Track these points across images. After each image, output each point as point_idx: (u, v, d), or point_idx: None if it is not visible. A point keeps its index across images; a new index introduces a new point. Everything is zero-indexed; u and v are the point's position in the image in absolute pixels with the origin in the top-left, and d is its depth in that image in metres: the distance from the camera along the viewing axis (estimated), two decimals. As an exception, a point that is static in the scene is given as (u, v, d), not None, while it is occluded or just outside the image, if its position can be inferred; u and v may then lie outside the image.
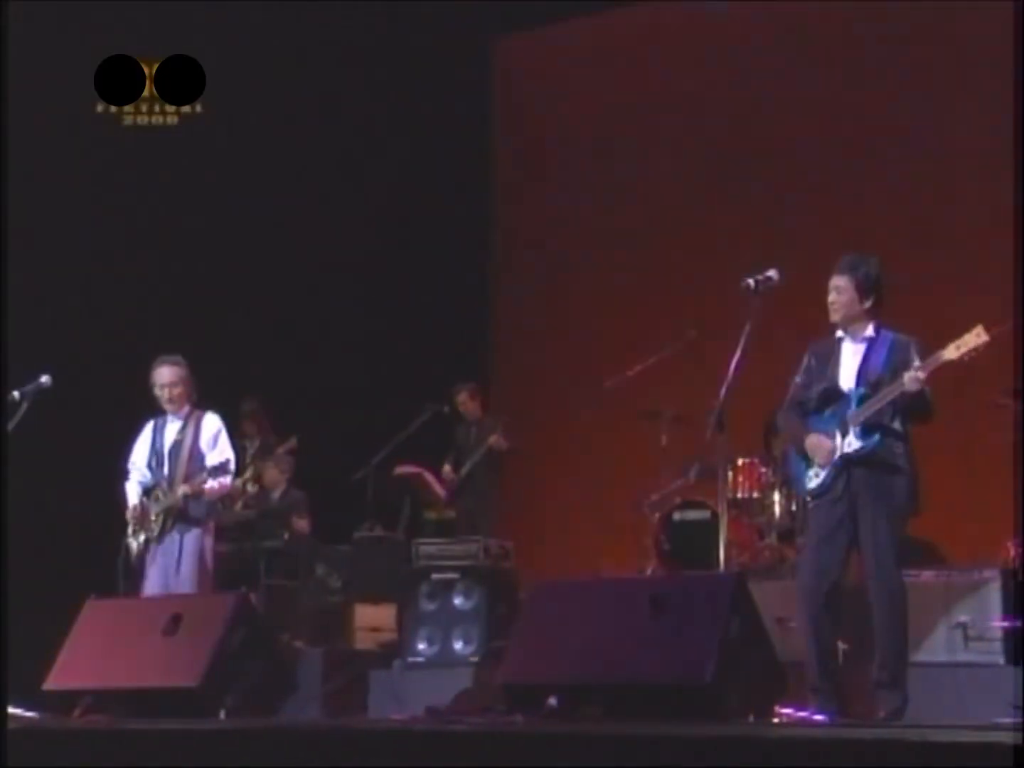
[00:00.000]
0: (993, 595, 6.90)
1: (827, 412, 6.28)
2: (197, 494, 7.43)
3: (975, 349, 5.93)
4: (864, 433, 6.13)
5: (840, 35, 11.04)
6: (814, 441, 6.22)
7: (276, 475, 9.84)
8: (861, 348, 6.28)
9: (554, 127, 12.32)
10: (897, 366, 6.15)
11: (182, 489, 7.39)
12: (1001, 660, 6.75)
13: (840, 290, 6.25)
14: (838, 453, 6.16)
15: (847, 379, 6.26)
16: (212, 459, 7.47)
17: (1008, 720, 5.46)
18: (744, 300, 6.44)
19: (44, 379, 7.49)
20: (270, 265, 10.97)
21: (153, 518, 7.43)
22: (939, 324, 6.54)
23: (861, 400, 6.16)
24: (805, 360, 6.43)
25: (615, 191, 11.86)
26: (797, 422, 6.40)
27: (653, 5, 11.89)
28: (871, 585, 6.15)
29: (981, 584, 6.99)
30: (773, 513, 8.65)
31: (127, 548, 7.53)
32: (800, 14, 11.11)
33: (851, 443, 6.15)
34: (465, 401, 10.32)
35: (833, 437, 6.20)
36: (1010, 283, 9.09)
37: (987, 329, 5.91)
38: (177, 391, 7.57)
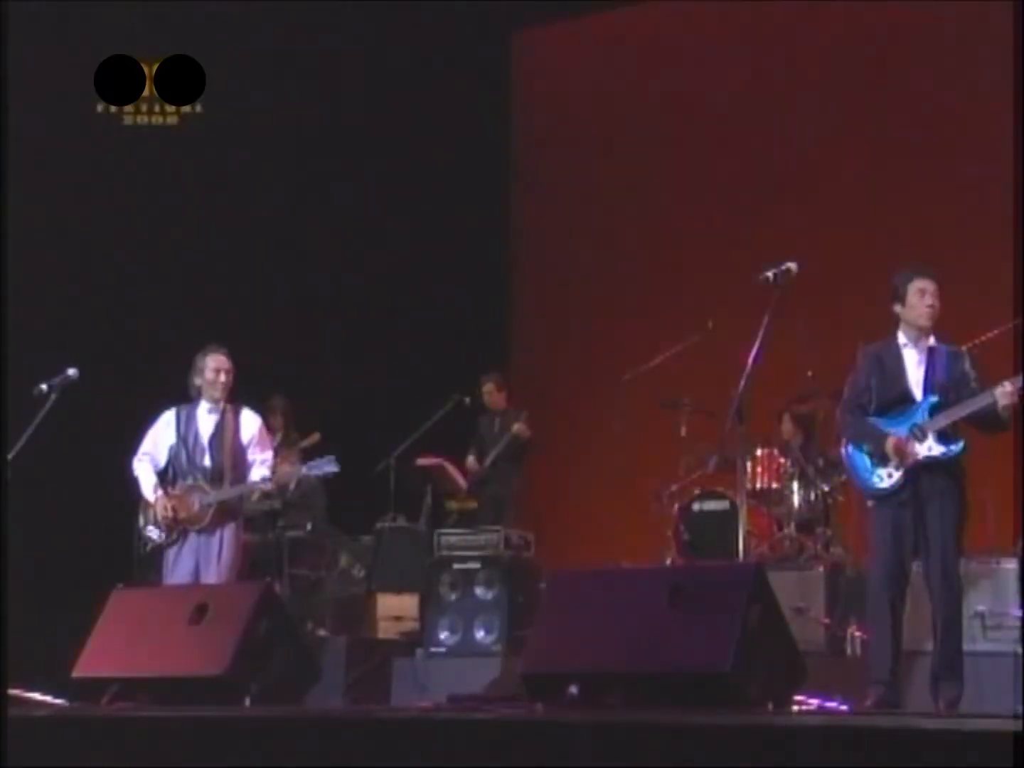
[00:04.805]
0: (1011, 584, 6.94)
1: (891, 414, 6.35)
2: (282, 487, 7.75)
3: None
4: (943, 439, 6.21)
5: (854, 36, 11.09)
6: (898, 444, 6.25)
7: (288, 469, 9.87)
8: (923, 357, 6.36)
9: (572, 121, 12.35)
10: (957, 376, 6.28)
11: (269, 485, 7.60)
12: (1020, 649, 6.76)
13: (937, 295, 6.34)
14: (920, 456, 6.21)
15: (915, 386, 6.34)
16: (267, 456, 7.68)
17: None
18: (763, 292, 6.48)
19: (71, 372, 7.53)
20: (294, 261, 11.05)
21: (197, 509, 7.48)
22: (941, 324, 6.56)
23: (933, 407, 6.25)
24: (862, 361, 6.48)
25: (634, 183, 11.89)
26: (867, 423, 6.42)
27: (671, 2, 11.91)
28: (935, 585, 6.23)
29: (999, 573, 7.04)
30: (792, 503, 8.69)
31: (145, 538, 7.61)
32: (818, 13, 11.15)
33: (932, 448, 6.22)
34: (491, 392, 10.35)
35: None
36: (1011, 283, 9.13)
37: None
38: (231, 378, 7.66)
